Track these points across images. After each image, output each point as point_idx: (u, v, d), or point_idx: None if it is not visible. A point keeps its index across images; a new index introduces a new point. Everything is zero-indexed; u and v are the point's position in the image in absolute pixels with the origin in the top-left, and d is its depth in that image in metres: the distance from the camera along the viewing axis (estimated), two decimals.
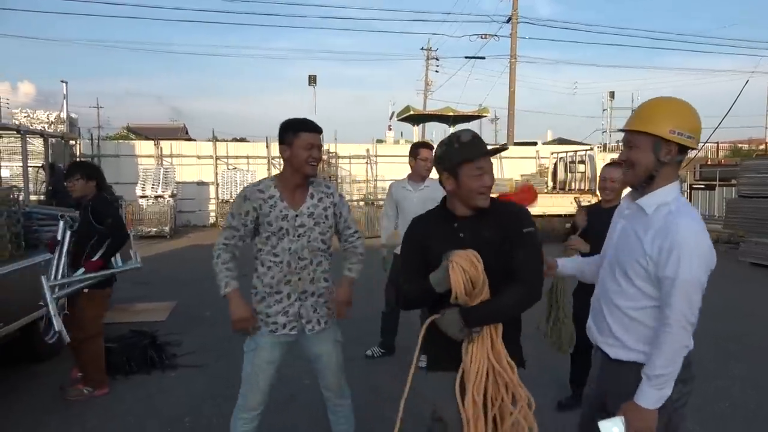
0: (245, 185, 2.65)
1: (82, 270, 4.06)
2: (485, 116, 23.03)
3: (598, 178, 4.48)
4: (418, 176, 4.89)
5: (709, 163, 20.77)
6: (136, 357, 4.81)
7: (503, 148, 2.67)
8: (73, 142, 14.24)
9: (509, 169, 19.35)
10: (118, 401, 4.16)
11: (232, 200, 17.83)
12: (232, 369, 4.70)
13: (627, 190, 2.14)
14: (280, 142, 2.65)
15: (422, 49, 36.12)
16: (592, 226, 3.68)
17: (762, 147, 26.70)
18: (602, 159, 15.79)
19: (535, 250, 2.09)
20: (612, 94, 27.08)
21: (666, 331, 1.82)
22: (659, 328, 1.85)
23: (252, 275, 2.74)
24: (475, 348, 2.04)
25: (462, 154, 2.08)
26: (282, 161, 2.72)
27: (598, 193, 4.52)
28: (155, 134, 22.50)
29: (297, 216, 2.67)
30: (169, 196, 16.41)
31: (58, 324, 3.83)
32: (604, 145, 24.20)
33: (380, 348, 5.25)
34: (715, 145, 24.57)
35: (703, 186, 17.94)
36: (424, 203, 4.77)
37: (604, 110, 27.15)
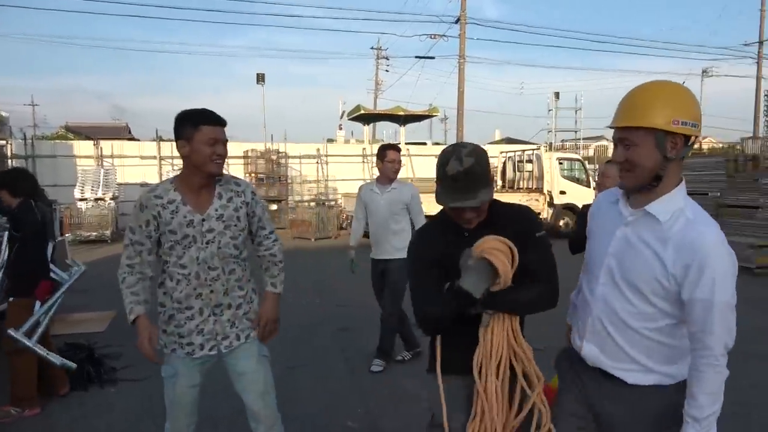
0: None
1: (38, 305, 3.95)
2: (435, 116, 23.23)
3: (546, 176, 4.51)
4: (385, 178, 4.83)
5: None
6: (71, 373, 4.51)
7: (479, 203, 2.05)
8: (3, 142, 13.49)
9: None
10: (51, 422, 3.89)
11: None
12: None
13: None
14: (177, 137, 2.32)
15: (372, 48, 36.10)
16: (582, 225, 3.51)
17: (697, 146, 27.93)
18: (548, 158, 16.16)
19: (551, 253, 2.07)
20: (557, 95, 27.71)
21: (709, 363, 1.59)
22: (698, 361, 1.62)
23: (158, 289, 2.47)
24: (495, 328, 1.97)
25: (441, 189, 1.97)
26: (183, 162, 2.38)
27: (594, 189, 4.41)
28: (96, 134, 21.60)
29: (204, 220, 2.37)
30: (110, 199, 15.77)
31: None
32: (550, 145, 24.78)
33: (406, 351, 5.23)
34: None
35: None
36: (391, 206, 4.75)
37: (549, 110, 27.77)
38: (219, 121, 2.34)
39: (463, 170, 1.90)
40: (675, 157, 1.64)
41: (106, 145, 18.13)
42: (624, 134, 1.67)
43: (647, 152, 1.63)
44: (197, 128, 2.29)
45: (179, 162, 19.30)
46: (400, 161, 4.90)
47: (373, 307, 7.38)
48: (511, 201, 2.30)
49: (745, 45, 28.38)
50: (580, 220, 3.75)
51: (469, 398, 2.03)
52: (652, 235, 1.67)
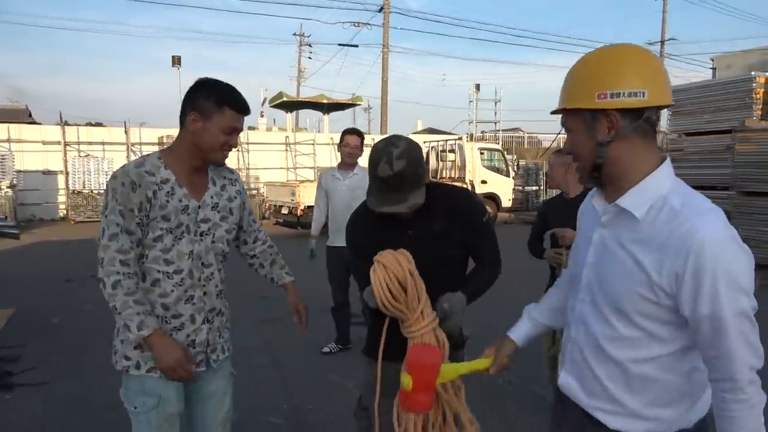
0: (118, 168, 1.91)
1: None
2: (359, 105, 23.14)
3: (468, 166, 4.49)
4: (344, 163, 4.80)
5: (561, 152, 22.61)
6: None
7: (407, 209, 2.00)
8: None
9: None
10: None
11: (85, 191, 16.24)
12: (82, 385, 4.21)
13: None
14: (191, 108, 1.90)
15: (295, 34, 35.40)
16: (554, 223, 3.25)
17: None
18: (470, 148, 16.50)
19: (493, 233, 2.14)
20: (477, 87, 28.41)
21: (736, 399, 1.22)
22: (722, 397, 1.24)
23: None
24: None
25: (370, 189, 1.96)
26: (179, 134, 1.97)
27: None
28: None
29: (200, 208, 1.98)
30: (8, 187, 14.54)
31: None
32: (471, 135, 25.35)
33: (336, 343, 5.04)
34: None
35: None
36: (353, 191, 4.68)
37: (470, 102, 28.41)
38: (245, 110, 1.98)
39: (394, 174, 1.86)
40: (617, 138, 1.30)
41: (2, 129, 16.64)
42: (563, 119, 1.40)
43: (580, 137, 1.35)
44: (221, 109, 1.90)
45: (86, 148, 18.17)
46: (359, 146, 4.82)
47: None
48: None
49: (649, 44, 30.24)
50: (539, 219, 3.55)
51: (396, 383, 1.99)
52: (630, 236, 1.31)
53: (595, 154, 1.33)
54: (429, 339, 1.81)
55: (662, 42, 29.09)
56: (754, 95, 9.18)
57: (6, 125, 16.92)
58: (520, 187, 19.51)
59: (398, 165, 1.86)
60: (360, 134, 4.92)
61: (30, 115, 26.67)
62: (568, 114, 1.37)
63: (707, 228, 1.20)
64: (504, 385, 4.24)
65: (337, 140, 18.96)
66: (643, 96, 1.27)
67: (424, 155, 2.07)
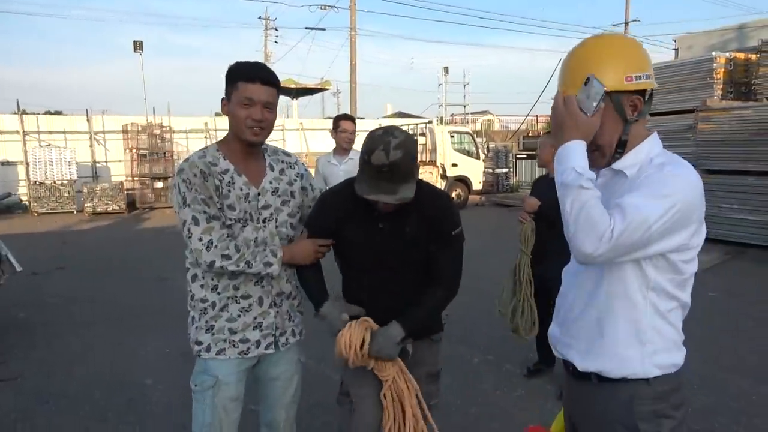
0: (183, 160, 1.94)
1: None
2: (327, 89, 22.98)
3: (438, 149, 4.62)
4: (341, 149, 4.79)
5: (530, 134, 22.89)
6: None
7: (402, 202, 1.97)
8: None
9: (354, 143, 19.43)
10: None
11: (48, 182, 15.77)
12: (50, 380, 4.13)
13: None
14: (225, 94, 1.97)
15: (260, 18, 34.76)
16: (542, 195, 3.57)
17: None
18: (440, 132, 16.55)
19: (460, 251, 2.07)
20: (446, 70, 28.49)
21: (603, 216, 1.32)
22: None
23: (193, 283, 2.02)
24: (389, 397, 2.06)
25: (362, 173, 1.93)
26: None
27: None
28: None
29: (259, 194, 2.00)
30: None
31: None
32: (441, 118, 25.42)
33: None
34: (535, 118, 27.05)
35: (525, 156, 20.33)
36: (349, 175, 4.53)
37: (439, 85, 28.50)
38: (262, 78, 1.90)
39: (389, 163, 1.82)
40: (636, 118, 1.44)
41: None
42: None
43: (609, 121, 1.43)
44: (234, 84, 1.90)
45: (47, 137, 17.67)
46: (354, 131, 4.82)
47: None
48: None
49: (614, 25, 30.64)
50: (534, 191, 3.82)
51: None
52: (618, 191, 1.44)
53: (623, 132, 1.45)
54: (397, 383, 2.04)
55: (626, 23, 29.49)
56: (714, 75, 9.41)
57: None
58: (491, 170, 19.69)
59: (395, 155, 1.82)
60: (353, 119, 4.94)
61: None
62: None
63: (676, 168, 1.38)
64: (479, 365, 4.32)
65: (306, 125, 18.77)
66: (650, 79, 1.44)
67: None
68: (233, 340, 2.01)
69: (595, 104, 1.39)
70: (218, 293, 1.98)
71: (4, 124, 16.54)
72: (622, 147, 1.47)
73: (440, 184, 15.90)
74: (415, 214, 1.98)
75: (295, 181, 2.13)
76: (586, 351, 1.52)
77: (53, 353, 4.64)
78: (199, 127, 18.42)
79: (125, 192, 16.41)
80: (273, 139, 21.56)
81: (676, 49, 15.59)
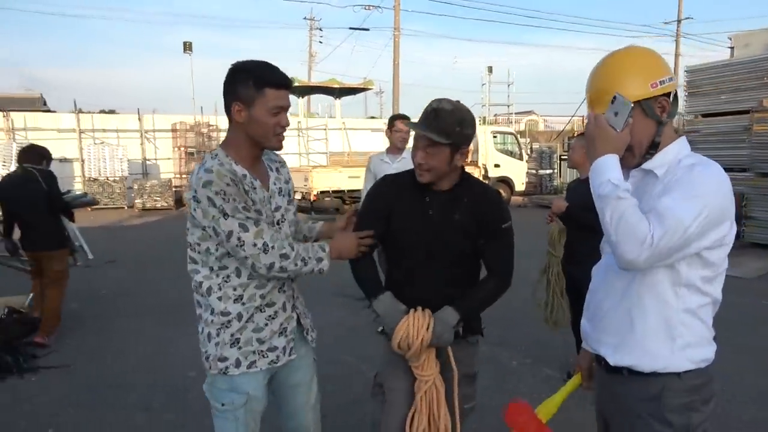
0: (203, 171, 1.81)
1: None
2: (370, 89, 23.01)
3: (481, 149, 4.68)
4: (394, 148, 4.87)
5: (575, 135, 22.39)
6: None
7: (437, 140, 2.06)
8: None
9: None
10: None
11: (101, 178, 16.39)
12: (102, 367, 4.32)
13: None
14: (233, 98, 1.82)
15: (305, 18, 35.21)
16: (573, 198, 3.60)
17: None
18: (483, 132, 16.40)
19: (511, 244, 2.11)
20: (490, 69, 28.14)
21: (643, 224, 1.37)
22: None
23: (209, 296, 1.90)
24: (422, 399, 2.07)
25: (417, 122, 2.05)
26: (230, 128, 1.91)
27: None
28: (5, 105, 19.98)
29: (271, 197, 1.97)
30: None
31: None
32: (484, 119, 25.17)
33: None
34: (581, 118, 26.45)
35: None
36: None
37: (483, 84, 28.19)
38: (287, 84, 1.87)
39: (434, 108, 1.98)
40: (668, 119, 1.53)
41: (18, 117, 16.83)
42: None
43: (640, 126, 1.50)
44: (261, 91, 1.81)
45: (101, 135, 18.30)
46: (408, 131, 4.86)
47: (310, 283, 7.27)
48: None
49: (665, 23, 29.69)
50: (568, 194, 3.85)
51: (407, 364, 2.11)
52: (649, 191, 1.51)
53: (656, 133, 1.52)
54: (431, 386, 2.07)
55: (678, 21, 28.54)
56: None
57: (22, 114, 17.11)
58: (534, 171, 19.40)
59: (444, 104, 1.98)
60: (408, 118, 4.99)
61: (45, 104, 26.87)
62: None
63: (705, 168, 1.44)
64: (517, 367, 4.28)
65: (349, 125, 18.86)
66: (673, 81, 1.51)
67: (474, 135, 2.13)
68: (262, 350, 1.93)
69: (623, 121, 1.48)
70: (243, 304, 1.89)
71: (62, 123, 17.31)
72: (654, 148, 1.54)
73: None
74: (464, 204, 2.04)
75: (288, 180, 2.10)
76: (617, 346, 1.56)
77: (102, 343, 4.84)
78: None
79: (173, 189, 16.91)
80: (316, 139, 21.75)
81: (732, 48, 15.01)
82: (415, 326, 1.96)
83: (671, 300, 1.48)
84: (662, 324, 1.49)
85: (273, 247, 1.83)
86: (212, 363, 1.91)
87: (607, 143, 1.48)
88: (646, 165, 1.54)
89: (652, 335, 1.50)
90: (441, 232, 2.03)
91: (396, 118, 4.90)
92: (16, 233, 4.90)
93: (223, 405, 1.92)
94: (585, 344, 1.74)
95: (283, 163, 2.12)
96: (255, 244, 1.80)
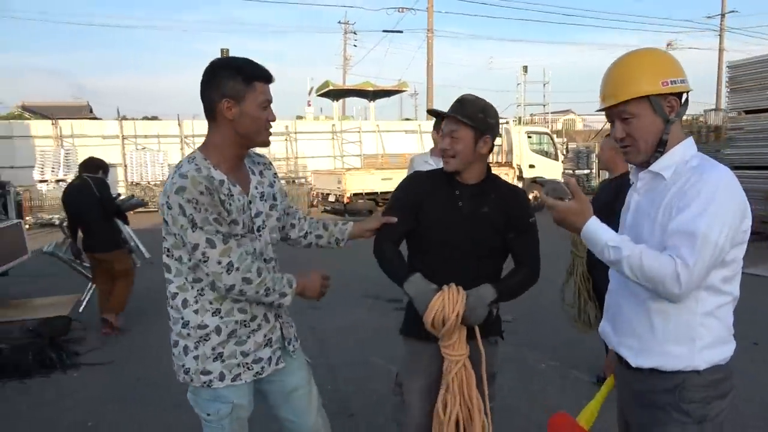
0: (177, 175, 1.74)
1: None
2: (404, 91, 23.08)
3: (515, 150, 4.64)
4: (439, 149, 4.80)
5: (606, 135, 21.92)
6: (31, 359, 4.39)
7: (462, 120, 2.15)
8: None
9: (429, 144, 19.46)
10: (10, 410, 3.77)
11: (143, 182, 16.93)
12: (142, 364, 4.49)
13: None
14: (220, 95, 1.75)
15: (339, 22, 35.53)
16: (597, 199, 3.57)
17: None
18: (517, 132, 16.25)
19: (537, 239, 2.21)
20: (525, 69, 27.83)
21: (672, 256, 1.42)
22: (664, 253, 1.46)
23: (184, 309, 1.83)
24: (453, 388, 2.08)
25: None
26: (212, 128, 1.83)
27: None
28: (55, 113, 20.83)
29: (251, 203, 1.87)
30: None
31: None
32: (519, 119, 24.90)
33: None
34: None
35: None
36: None
37: (518, 84, 27.89)
38: (271, 78, 1.83)
39: (458, 99, 2.12)
40: (675, 119, 1.57)
41: (65, 125, 17.53)
42: (620, 109, 1.59)
43: (648, 121, 1.56)
44: (250, 85, 1.76)
45: (143, 141, 18.84)
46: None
47: (341, 284, 7.38)
48: None
49: (708, 18, 28.79)
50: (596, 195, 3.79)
51: (430, 362, 2.16)
52: (657, 193, 1.57)
53: (663, 131, 1.56)
54: (461, 367, 2.07)
55: (722, 15, 27.63)
56: None
57: (69, 121, 17.81)
58: (571, 171, 19.08)
59: (465, 96, 2.13)
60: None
61: (91, 111, 27.90)
62: (632, 102, 1.57)
63: (714, 175, 1.46)
64: (545, 369, 4.25)
65: (382, 127, 18.89)
66: (685, 83, 1.57)
67: (499, 131, 2.25)
68: (247, 363, 1.87)
69: (564, 188, 1.59)
70: (221, 317, 1.82)
71: (106, 130, 17.94)
72: (662, 146, 1.58)
73: None
74: (492, 200, 2.13)
75: (274, 182, 2.01)
76: (638, 349, 1.61)
77: (145, 341, 5.03)
78: (279, 130, 19.12)
79: None
80: (350, 141, 21.88)
81: None
82: (451, 300, 1.97)
83: (691, 304, 1.51)
84: (682, 327, 1.53)
85: (238, 269, 1.74)
86: (194, 377, 1.84)
87: (576, 215, 1.56)
88: (654, 167, 1.59)
89: (672, 338, 1.54)
90: (470, 224, 2.09)
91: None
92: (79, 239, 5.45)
93: (209, 415, 1.88)
94: (606, 342, 1.80)
95: (268, 165, 2.03)
96: (219, 262, 1.72)
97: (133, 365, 4.48)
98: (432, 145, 4.88)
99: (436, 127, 4.84)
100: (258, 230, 1.89)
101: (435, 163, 4.71)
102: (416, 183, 2.25)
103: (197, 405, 1.92)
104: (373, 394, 3.89)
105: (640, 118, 1.57)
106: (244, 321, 1.86)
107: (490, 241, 2.12)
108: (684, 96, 1.60)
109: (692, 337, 1.53)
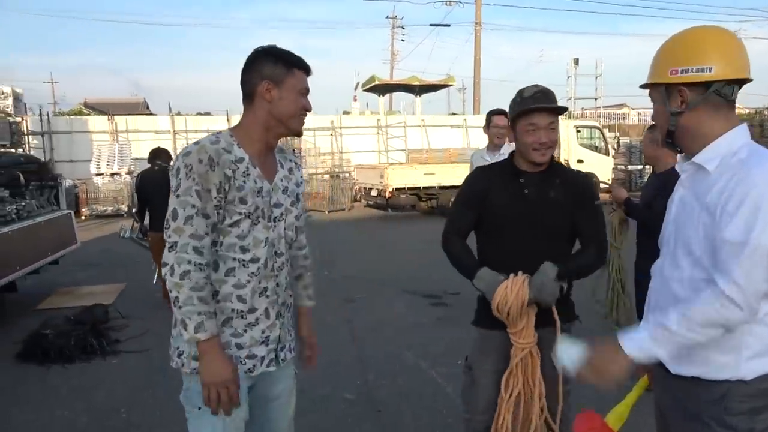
0: (193, 143, 1.76)
1: None
2: (451, 85, 22.89)
3: (563, 144, 4.56)
4: (492, 144, 4.89)
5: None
6: (73, 344, 4.54)
7: (563, 108, 2.31)
8: (19, 119, 13.58)
9: (475, 139, 19.21)
10: (51, 393, 3.91)
11: None
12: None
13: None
14: (260, 78, 1.75)
15: (387, 17, 35.47)
16: (644, 196, 3.53)
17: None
18: (565, 126, 15.81)
19: (603, 220, 2.28)
20: (576, 61, 26.92)
21: (715, 294, 1.34)
22: (706, 288, 1.37)
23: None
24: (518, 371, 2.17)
25: (518, 107, 2.14)
26: (247, 110, 1.80)
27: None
28: (114, 109, 21.68)
29: (272, 191, 1.82)
30: (126, 173, 15.86)
31: None
32: (569, 113, 24.23)
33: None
34: None
35: None
36: None
37: (568, 77, 27.04)
38: (310, 70, 1.85)
39: (540, 89, 2.14)
40: (684, 110, 1.47)
41: (121, 120, 18.18)
42: (649, 92, 1.59)
43: (658, 109, 1.56)
44: (291, 71, 1.77)
45: (194, 136, 19.35)
46: (505, 126, 4.84)
47: (379, 278, 7.36)
48: None
49: None
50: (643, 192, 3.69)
51: (499, 346, 2.23)
52: (702, 186, 1.46)
53: (669, 122, 1.51)
54: (527, 353, 2.16)
55: None
56: None
57: (124, 117, 18.47)
58: (623, 166, 18.43)
59: (543, 86, 2.16)
60: (505, 113, 4.93)
61: (147, 107, 28.95)
62: (651, 88, 1.55)
63: (762, 166, 1.34)
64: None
65: (428, 122, 18.80)
66: (710, 71, 1.43)
67: None
68: (240, 357, 1.75)
69: (575, 352, 1.59)
70: (217, 301, 1.72)
71: (158, 125, 18.52)
72: (670, 137, 1.53)
73: None
74: (557, 184, 2.18)
75: (301, 183, 1.97)
76: (679, 356, 1.46)
77: None
78: (325, 125, 19.26)
79: None
80: (395, 136, 21.73)
81: None
82: (513, 285, 2.05)
83: None
84: (727, 335, 1.39)
85: (176, 251, 1.62)
86: (185, 361, 1.74)
87: (608, 362, 1.48)
88: (697, 158, 1.47)
89: (715, 347, 1.42)
90: (538, 209, 2.15)
91: (493, 114, 4.80)
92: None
93: (200, 408, 1.70)
94: None
95: (298, 166, 2.00)
96: (170, 236, 1.64)
97: (167, 355, 4.55)
98: (486, 142, 4.88)
99: (486, 121, 4.81)
100: (274, 220, 1.81)
101: (490, 158, 4.69)
102: (479, 176, 2.32)
103: (189, 401, 1.75)
104: (402, 389, 3.83)
105: (656, 105, 1.56)
106: (241, 312, 1.75)
107: (558, 225, 2.17)
108: (719, 85, 1.43)
109: (738, 345, 1.41)
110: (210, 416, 1.68)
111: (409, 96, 23.15)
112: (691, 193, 1.50)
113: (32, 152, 15.04)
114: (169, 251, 1.63)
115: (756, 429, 1.41)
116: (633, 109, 35.67)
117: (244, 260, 1.73)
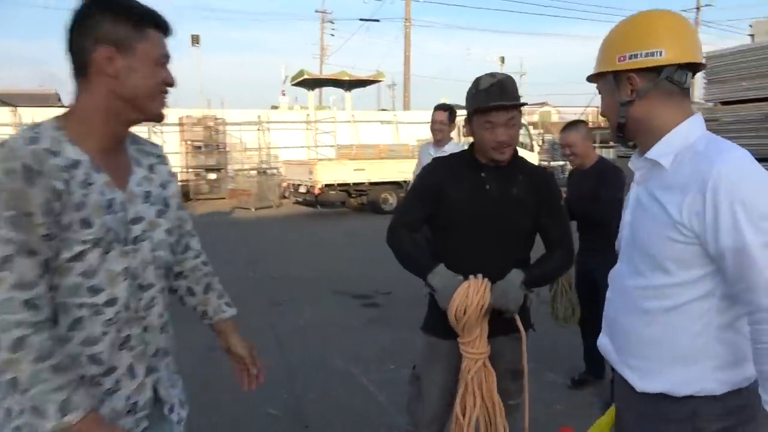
0: (6, 143, 1.17)
1: None
2: (381, 81, 22.72)
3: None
4: (435, 140, 4.80)
5: (591, 126, 21.95)
6: None
7: (522, 103, 2.03)
8: None
9: (405, 135, 19.20)
10: None
11: None
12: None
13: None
14: (96, 40, 1.22)
15: (317, 11, 34.95)
16: (581, 190, 3.41)
17: None
18: None
19: (568, 224, 2.15)
20: (502, 60, 27.64)
21: (763, 329, 1.19)
22: (755, 329, 1.21)
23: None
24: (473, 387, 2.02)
25: (474, 102, 1.96)
26: (81, 90, 1.28)
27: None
28: (21, 101, 20.02)
29: (127, 202, 1.31)
30: None
31: None
32: None
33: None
34: (596, 108, 25.95)
35: None
36: None
37: None
38: (169, 30, 1.34)
39: (496, 81, 1.92)
40: (634, 99, 1.36)
41: (26, 113, 16.83)
42: (597, 86, 1.48)
43: (607, 100, 1.44)
44: (144, 32, 1.27)
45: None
46: (445, 121, 4.75)
47: (307, 278, 7.09)
48: None
49: (683, 11, 28.98)
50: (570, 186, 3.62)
51: (449, 356, 2.09)
52: (657, 184, 1.33)
53: (618, 114, 1.39)
54: (480, 366, 2.01)
55: (698, 8, 27.85)
56: None
57: (30, 110, 17.10)
58: (546, 162, 18.97)
59: (500, 76, 1.96)
60: (446, 108, 4.82)
61: (59, 99, 26.99)
62: (599, 79, 1.45)
63: (725, 161, 1.21)
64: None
65: (358, 118, 18.62)
66: (660, 55, 1.32)
67: None
68: None
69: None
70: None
71: None
72: (620, 130, 1.43)
73: None
74: (520, 181, 2.03)
75: (169, 182, 1.45)
76: (644, 370, 1.37)
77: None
78: (252, 119, 18.64)
79: (179, 183, 16.84)
80: (324, 132, 21.59)
81: (752, 35, 14.51)
82: (475, 288, 1.89)
83: (704, 316, 1.29)
84: (695, 344, 1.30)
85: (1, 320, 1.11)
86: None
87: None
88: (651, 154, 1.36)
89: (682, 358, 1.31)
90: (500, 206, 2.00)
91: (435, 109, 4.79)
92: None
93: None
94: (607, 359, 1.55)
95: (162, 159, 1.48)
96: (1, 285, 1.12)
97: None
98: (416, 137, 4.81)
99: (436, 118, 4.73)
100: (135, 242, 1.31)
101: (434, 152, 4.61)
102: (435, 169, 2.14)
103: None
104: (332, 401, 3.59)
105: (604, 96, 1.45)
106: (96, 377, 1.26)
107: (520, 224, 2.04)
108: (670, 70, 1.32)
109: (708, 355, 1.29)
110: None
111: (339, 91, 22.84)
112: (645, 193, 1.38)
113: None
114: None
115: None
116: (554, 107, 37.09)
117: (95, 305, 1.24)
